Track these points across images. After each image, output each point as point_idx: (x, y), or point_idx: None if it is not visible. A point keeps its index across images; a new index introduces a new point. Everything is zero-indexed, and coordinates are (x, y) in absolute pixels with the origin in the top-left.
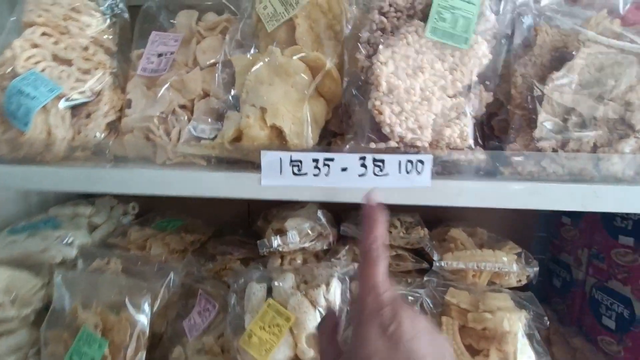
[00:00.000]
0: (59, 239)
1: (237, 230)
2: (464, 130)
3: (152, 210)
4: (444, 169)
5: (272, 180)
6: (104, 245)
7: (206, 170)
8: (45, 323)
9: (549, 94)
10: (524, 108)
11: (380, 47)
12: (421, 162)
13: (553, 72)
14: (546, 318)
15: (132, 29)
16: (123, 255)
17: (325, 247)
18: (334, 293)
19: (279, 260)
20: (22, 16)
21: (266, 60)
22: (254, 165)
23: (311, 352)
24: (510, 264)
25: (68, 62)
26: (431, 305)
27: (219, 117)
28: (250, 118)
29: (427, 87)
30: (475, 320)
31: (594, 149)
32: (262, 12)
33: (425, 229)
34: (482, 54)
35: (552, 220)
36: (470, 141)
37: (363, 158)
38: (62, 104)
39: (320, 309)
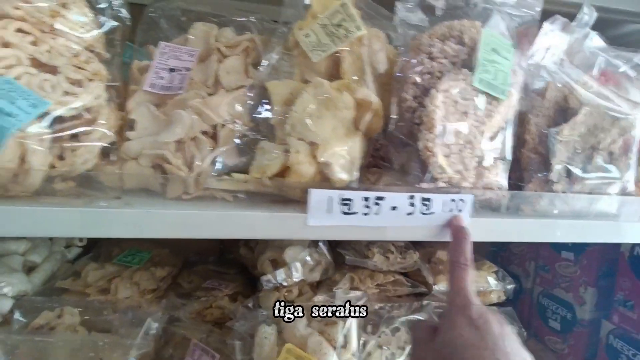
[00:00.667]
0: None
1: (207, 259)
2: (501, 173)
3: (100, 239)
4: (478, 207)
5: (320, 220)
6: (49, 291)
7: (242, 209)
8: None
9: (561, 141)
10: (537, 152)
11: (433, 90)
12: (462, 200)
13: (562, 125)
14: (524, 331)
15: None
16: (81, 304)
17: (322, 278)
18: (351, 329)
19: (275, 295)
20: None
21: (312, 91)
22: (283, 200)
23: None
24: (491, 283)
25: (52, 70)
26: None
27: (245, 145)
28: (300, 153)
29: (470, 131)
30: None
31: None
32: (303, 39)
33: (417, 253)
34: (513, 103)
35: None
36: (505, 183)
37: (412, 197)
38: (45, 123)
39: (339, 346)
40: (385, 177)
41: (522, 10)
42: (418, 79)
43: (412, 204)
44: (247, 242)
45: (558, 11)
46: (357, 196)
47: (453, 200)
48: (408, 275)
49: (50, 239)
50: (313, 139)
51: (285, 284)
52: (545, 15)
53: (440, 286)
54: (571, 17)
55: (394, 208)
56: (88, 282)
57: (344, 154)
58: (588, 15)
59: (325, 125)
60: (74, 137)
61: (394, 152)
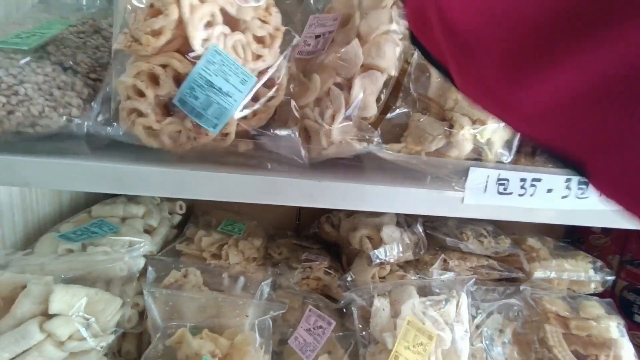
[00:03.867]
0: (125, 248)
1: (286, 233)
2: None
3: (194, 209)
4: None
5: (475, 199)
6: (169, 253)
7: (404, 185)
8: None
9: None
10: None
11: None
12: None
13: None
14: (624, 322)
15: None
16: (200, 267)
17: (416, 257)
18: (463, 306)
19: (372, 270)
20: None
21: None
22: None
23: None
24: (590, 273)
25: (237, 25)
26: (527, 313)
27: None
28: (465, 129)
29: None
30: (579, 327)
31: None
32: None
33: (509, 238)
34: None
35: (578, 228)
36: None
37: (569, 180)
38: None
39: (453, 324)
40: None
41: None
42: None
43: (568, 187)
44: (330, 220)
45: None
46: (514, 176)
47: None
48: (498, 261)
49: (158, 204)
50: (478, 116)
51: (391, 260)
52: None
53: (539, 273)
54: None
55: (549, 190)
56: (202, 247)
57: (504, 133)
58: None
59: None
60: (254, 98)
61: None
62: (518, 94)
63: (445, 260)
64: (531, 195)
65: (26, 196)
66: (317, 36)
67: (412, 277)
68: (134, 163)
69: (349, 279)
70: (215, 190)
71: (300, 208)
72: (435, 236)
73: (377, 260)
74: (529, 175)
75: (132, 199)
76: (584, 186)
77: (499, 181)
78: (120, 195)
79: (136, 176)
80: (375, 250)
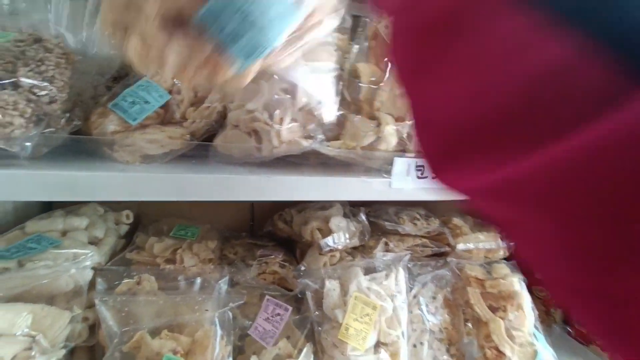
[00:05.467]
0: (69, 261)
1: (240, 234)
2: None
3: (142, 217)
4: None
5: (400, 184)
6: (119, 262)
7: (338, 175)
8: None
9: None
10: None
11: None
12: None
13: None
14: (525, 279)
15: None
16: (153, 273)
17: (361, 243)
18: (401, 279)
19: (323, 258)
20: None
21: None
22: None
23: (392, 333)
24: (497, 242)
25: None
26: (454, 281)
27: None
28: (389, 125)
29: None
30: (492, 286)
31: None
32: (384, 31)
33: (437, 219)
34: None
35: None
36: None
37: None
38: None
39: (394, 295)
40: None
41: None
42: None
43: None
44: (283, 217)
45: None
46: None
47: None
48: (430, 239)
49: (101, 215)
50: (399, 114)
51: (340, 247)
52: None
53: (461, 246)
54: None
55: None
56: (155, 253)
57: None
58: None
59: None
60: None
61: None
62: (443, 179)
63: (386, 243)
64: None
65: None
66: None
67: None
68: (83, 170)
69: (302, 268)
70: (169, 190)
71: (253, 209)
72: (378, 223)
73: (327, 248)
74: None
75: (71, 212)
76: None
77: (417, 167)
78: (55, 209)
79: (88, 182)
80: (325, 239)
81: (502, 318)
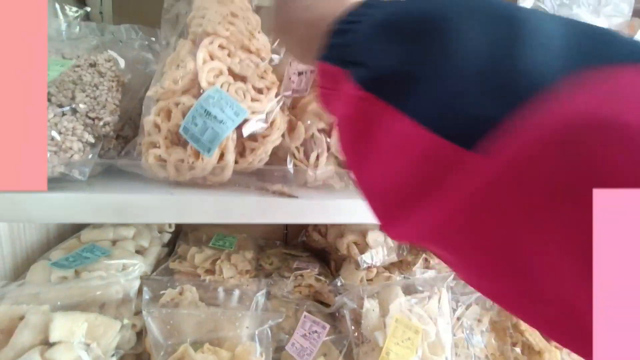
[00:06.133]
0: (119, 271)
1: (275, 243)
2: None
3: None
4: None
5: None
6: (162, 272)
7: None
8: None
9: None
10: None
11: None
12: None
13: None
14: None
15: None
16: (196, 283)
17: (400, 259)
18: (444, 301)
19: (360, 274)
20: (205, 27)
21: None
22: None
23: (435, 359)
24: None
25: (243, 79)
26: None
27: None
28: None
29: None
30: None
31: None
32: None
33: None
34: None
35: None
36: None
37: None
38: (247, 130)
39: (437, 318)
40: None
41: None
42: None
43: None
44: (317, 228)
45: None
46: None
47: None
48: None
49: (146, 225)
50: None
51: (378, 263)
52: None
53: None
54: None
55: None
56: (195, 264)
57: None
58: None
59: None
60: (252, 136)
61: None
62: (390, 234)
63: (426, 259)
64: None
65: (14, 226)
66: (300, 73)
67: (397, 278)
68: (133, 192)
69: (339, 283)
70: (216, 212)
71: None
72: None
73: (365, 265)
74: None
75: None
76: None
77: None
78: None
79: (136, 205)
80: (363, 255)
81: (558, 348)
